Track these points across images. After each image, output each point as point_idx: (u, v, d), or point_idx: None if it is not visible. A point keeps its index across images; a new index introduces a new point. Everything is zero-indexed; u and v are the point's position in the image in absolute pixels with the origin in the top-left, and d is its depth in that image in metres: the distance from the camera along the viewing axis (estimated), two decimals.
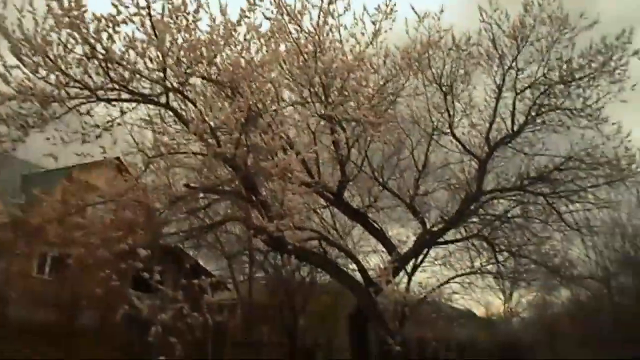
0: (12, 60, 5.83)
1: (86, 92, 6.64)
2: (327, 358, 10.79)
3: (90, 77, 6.47)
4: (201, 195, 8.89)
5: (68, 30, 6.06)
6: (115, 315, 6.41)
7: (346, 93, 7.65)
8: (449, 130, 10.41)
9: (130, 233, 6.33)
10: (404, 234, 12.74)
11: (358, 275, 9.97)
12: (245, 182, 7.72)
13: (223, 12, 6.51)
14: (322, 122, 8.87)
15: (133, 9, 5.76)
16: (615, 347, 12.78)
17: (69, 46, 6.19)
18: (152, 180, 7.14)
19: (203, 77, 6.56)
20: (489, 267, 12.45)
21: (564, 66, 9.43)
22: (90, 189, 8.34)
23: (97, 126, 6.39)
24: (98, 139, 6.43)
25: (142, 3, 5.76)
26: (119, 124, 6.58)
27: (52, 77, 6.18)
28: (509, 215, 11.26)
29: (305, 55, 7.70)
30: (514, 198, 11.28)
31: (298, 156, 5.59)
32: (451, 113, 10.17)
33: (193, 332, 5.62)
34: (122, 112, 7.05)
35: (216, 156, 6.95)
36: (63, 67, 6.13)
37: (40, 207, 7.94)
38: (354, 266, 10.40)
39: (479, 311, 25.04)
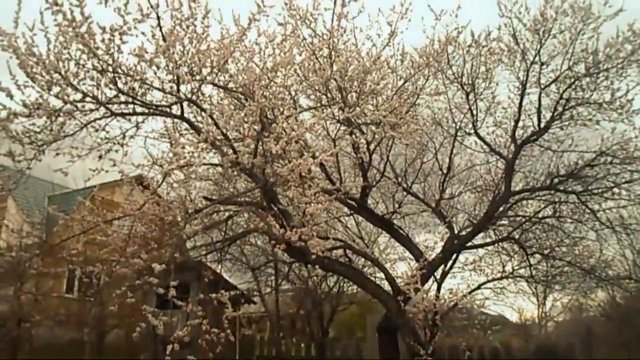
0: (22, 77, 5.76)
1: (101, 109, 6.61)
2: None
3: (102, 92, 6.42)
4: (221, 208, 8.78)
5: (79, 46, 6.00)
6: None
7: (364, 96, 7.46)
8: (472, 131, 10.09)
9: (146, 248, 6.18)
10: (432, 240, 12.43)
11: (386, 285, 9.72)
12: (265, 192, 7.56)
13: (236, 21, 6.37)
14: (342, 128, 8.72)
15: (138, 15, 5.63)
16: None
17: (81, 62, 6.13)
18: (168, 192, 7.01)
19: (214, 84, 6.43)
20: (521, 270, 12.03)
21: (590, 58, 9.02)
22: (111, 207, 8.27)
23: (109, 139, 6.29)
24: (112, 152, 6.32)
25: (147, 10, 5.64)
26: (131, 137, 6.47)
27: (64, 93, 6.13)
28: (539, 215, 10.85)
29: (320, 60, 7.54)
30: (544, 198, 10.90)
31: (315, 159, 5.37)
32: (474, 112, 9.84)
33: (213, 348, 5.43)
34: (137, 127, 6.98)
35: (233, 166, 6.80)
36: (75, 83, 6.07)
37: (63, 227, 7.93)
38: (381, 275, 10.17)
39: (513, 317, 24.46)
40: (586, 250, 11.32)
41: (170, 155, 7.12)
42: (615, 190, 10.11)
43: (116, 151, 6.75)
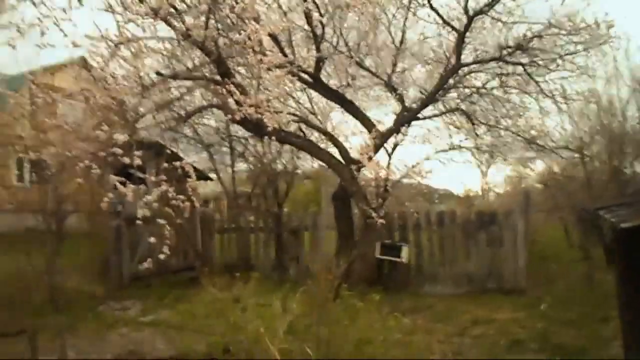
0: None
1: None
2: (312, 235, 11.19)
3: None
4: (174, 84, 8.64)
5: None
6: (102, 212, 6.46)
7: None
8: (426, 1, 10.03)
9: (106, 123, 6.14)
10: (383, 113, 12.70)
11: (340, 158, 10.09)
12: (219, 66, 7.49)
13: None
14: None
15: None
16: (593, 213, 13.36)
17: None
18: (120, 66, 6.82)
19: None
20: (467, 143, 12.56)
21: None
22: (57, 90, 8.01)
23: (53, 10, 5.97)
24: (56, 25, 6.03)
25: None
26: (76, 8, 6.15)
27: None
28: (487, 87, 11.21)
29: None
30: (492, 70, 11.17)
31: (269, 29, 5.32)
32: None
33: (180, 215, 5.69)
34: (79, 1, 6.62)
35: (184, 39, 6.66)
36: None
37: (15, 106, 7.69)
38: (334, 150, 10.50)
39: (458, 191, 25.93)
40: (529, 122, 11.84)
41: (117, 30, 6.85)
42: (560, 61, 10.49)
43: (61, 28, 6.45)
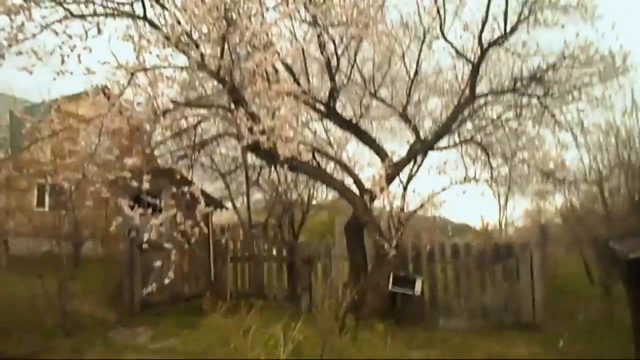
0: None
1: (60, 11, 6.49)
2: (325, 265, 11.10)
3: None
4: (190, 113, 8.77)
5: None
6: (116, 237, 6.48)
7: None
8: (440, 34, 10.10)
9: (121, 149, 6.25)
10: (397, 144, 12.68)
11: (354, 188, 10.06)
12: (233, 94, 7.59)
13: None
14: (309, 32, 8.64)
15: None
16: (605, 245, 13.06)
17: None
18: (135, 94, 6.98)
19: None
20: (484, 175, 12.42)
21: None
22: (77, 117, 8.20)
23: (70, 37, 6.17)
24: (74, 55, 6.23)
25: None
26: (94, 37, 6.35)
27: None
28: (502, 118, 11.15)
29: None
30: (507, 102, 11.14)
31: (279, 56, 5.41)
32: (442, 15, 9.81)
33: (189, 240, 5.69)
34: (99, 30, 6.85)
35: (199, 68, 6.80)
36: None
37: (32, 130, 7.84)
38: (349, 180, 10.49)
39: (476, 224, 25.56)
40: (546, 155, 11.71)
41: (135, 58, 7.03)
42: (575, 93, 10.43)
43: (79, 55, 6.66)
